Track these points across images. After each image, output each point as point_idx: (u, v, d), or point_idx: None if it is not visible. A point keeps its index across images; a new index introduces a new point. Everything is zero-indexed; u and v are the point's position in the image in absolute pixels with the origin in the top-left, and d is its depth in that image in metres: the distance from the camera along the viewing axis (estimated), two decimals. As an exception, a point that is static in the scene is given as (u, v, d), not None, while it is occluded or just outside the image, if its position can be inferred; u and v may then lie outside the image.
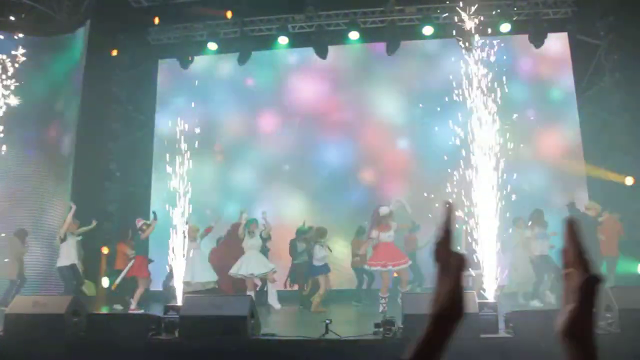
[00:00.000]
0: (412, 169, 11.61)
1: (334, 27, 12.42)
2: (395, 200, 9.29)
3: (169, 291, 8.44)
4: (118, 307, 9.47)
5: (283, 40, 12.17)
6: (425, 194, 9.49)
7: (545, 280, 8.97)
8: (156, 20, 12.12)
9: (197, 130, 8.35)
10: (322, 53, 12.13)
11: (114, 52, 12.45)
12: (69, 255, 9.09)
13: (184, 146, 7.72)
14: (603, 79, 11.03)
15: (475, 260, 6.44)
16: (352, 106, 12.22)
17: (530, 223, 9.03)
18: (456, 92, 6.93)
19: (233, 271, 9.26)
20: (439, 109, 9.78)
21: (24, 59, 9.44)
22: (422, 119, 11.53)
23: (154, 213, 9.47)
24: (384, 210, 8.81)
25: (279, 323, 7.78)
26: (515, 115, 8.85)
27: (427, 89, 11.52)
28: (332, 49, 12.13)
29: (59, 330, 5.97)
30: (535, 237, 8.91)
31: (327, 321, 5.61)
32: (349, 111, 12.24)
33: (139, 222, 9.63)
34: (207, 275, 9.36)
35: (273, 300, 9.38)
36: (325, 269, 9.41)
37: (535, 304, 8.55)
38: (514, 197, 6.63)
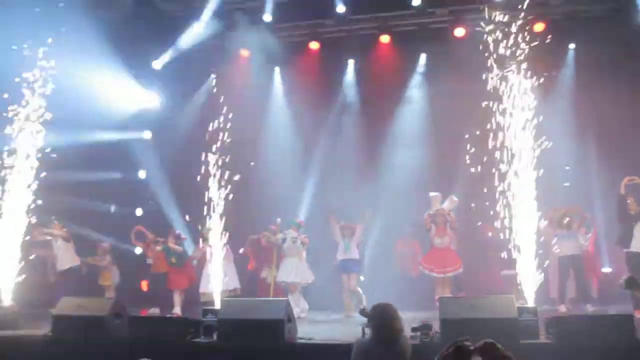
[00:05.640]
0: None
1: (365, 31, 12.40)
2: (451, 198, 9.12)
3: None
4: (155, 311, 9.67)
5: (314, 45, 12.22)
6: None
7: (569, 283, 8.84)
8: None
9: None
10: (353, 57, 12.23)
11: None
12: None
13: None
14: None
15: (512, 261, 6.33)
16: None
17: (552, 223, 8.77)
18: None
19: (279, 278, 9.29)
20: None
21: None
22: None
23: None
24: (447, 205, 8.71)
25: (316, 327, 7.77)
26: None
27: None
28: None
29: (101, 332, 6.14)
30: (562, 237, 8.69)
31: (364, 324, 5.58)
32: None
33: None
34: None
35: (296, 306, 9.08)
36: (346, 266, 9.32)
37: (562, 309, 8.41)
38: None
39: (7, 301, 7.53)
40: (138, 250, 11.13)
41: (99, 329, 6.13)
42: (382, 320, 3.79)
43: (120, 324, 6.30)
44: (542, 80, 6.79)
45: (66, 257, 9.79)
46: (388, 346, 3.68)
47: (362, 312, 4.14)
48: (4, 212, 7.75)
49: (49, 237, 9.78)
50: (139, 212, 12.53)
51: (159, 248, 9.91)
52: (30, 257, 8.15)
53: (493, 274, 9.55)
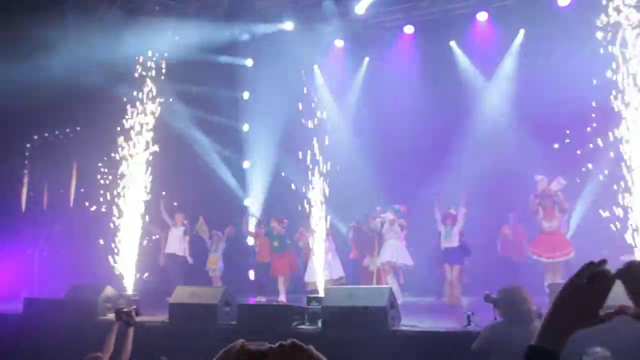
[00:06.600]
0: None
1: (461, 9, 11.88)
2: (558, 180, 8.59)
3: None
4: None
5: (409, 29, 11.95)
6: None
7: None
8: None
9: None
10: (451, 38, 11.83)
11: None
12: None
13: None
14: None
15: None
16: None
17: None
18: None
19: (379, 261, 9.31)
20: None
21: None
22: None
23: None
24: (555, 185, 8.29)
25: (418, 314, 7.69)
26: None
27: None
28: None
29: (213, 319, 6.50)
30: None
31: (469, 313, 5.44)
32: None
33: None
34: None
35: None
36: (448, 256, 9.10)
37: None
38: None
39: (130, 290, 8.18)
40: (250, 241, 11.59)
41: (211, 317, 6.50)
42: (515, 302, 3.76)
43: (229, 311, 6.62)
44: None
45: (175, 244, 10.34)
46: (524, 328, 3.60)
47: (488, 298, 4.04)
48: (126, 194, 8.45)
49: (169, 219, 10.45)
50: (247, 201, 13.05)
51: (262, 231, 10.27)
52: (144, 242, 8.76)
53: (610, 259, 8.86)
